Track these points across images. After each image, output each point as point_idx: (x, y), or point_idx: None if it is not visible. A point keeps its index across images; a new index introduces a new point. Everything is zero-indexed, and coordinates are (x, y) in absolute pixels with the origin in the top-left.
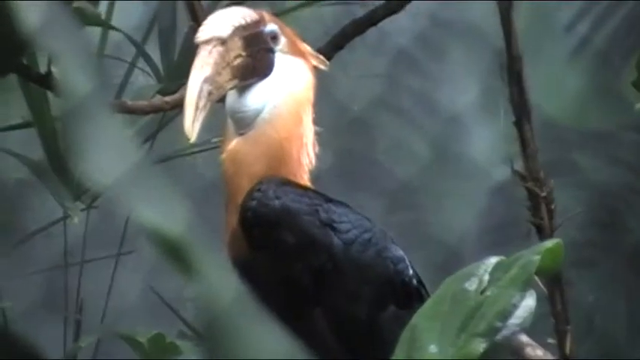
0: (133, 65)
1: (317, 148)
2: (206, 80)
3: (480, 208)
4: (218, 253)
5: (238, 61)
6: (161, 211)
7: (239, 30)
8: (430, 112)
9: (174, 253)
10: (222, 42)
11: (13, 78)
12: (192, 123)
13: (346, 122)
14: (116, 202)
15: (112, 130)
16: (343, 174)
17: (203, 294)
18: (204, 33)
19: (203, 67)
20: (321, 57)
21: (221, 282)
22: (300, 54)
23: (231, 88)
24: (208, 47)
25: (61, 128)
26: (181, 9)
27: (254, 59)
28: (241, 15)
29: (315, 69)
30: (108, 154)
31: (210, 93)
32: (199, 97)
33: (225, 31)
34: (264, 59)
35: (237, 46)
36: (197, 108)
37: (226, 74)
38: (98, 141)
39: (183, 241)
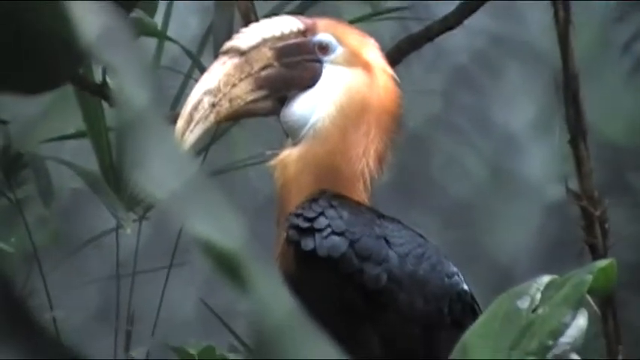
0: (188, 77)
1: (386, 163)
2: (208, 92)
3: (533, 227)
4: (271, 267)
5: (267, 72)
6: (216, 224)
7: (270, 40)
8: (485, 130)
9: (228, 267)
10: (241, 53)
11: (68, 88)
12: (182, 134)
13: (401, 138)
14: (171, 215)
15: (168, 142)
16: (397, 190)
17: (256, 309)
18: (226, 44)
19: (208, 79)
20: (390, 70)
21: (274, 297)
22: (362, 65)
23: (259, 100)
24: (224, 58)
25: (115, 139)
26: (238, 21)
27: (292, 70)
28: (279, 25)
29: (389, 82)
30: (163, 166)
31: (214, 104)
32: (195, 109)
33: (246, 43)
34: (308, 70)
35: (265, 56)
36: (190, 120)
37: (246, 85)
38: (154, 153)
39: (237, 255)
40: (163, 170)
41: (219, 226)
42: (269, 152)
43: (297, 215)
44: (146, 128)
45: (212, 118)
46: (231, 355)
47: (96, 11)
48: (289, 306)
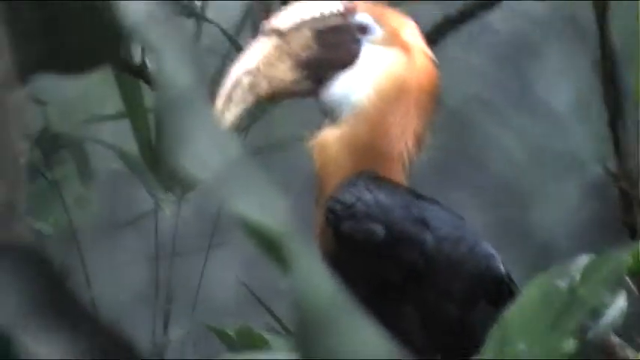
0: (226, 58)
1: (424, 143)
2: (248, 72)
3: (573, 206)
4: (313, 247)
5: (307, 53)
6: (258, 203)
7: (310, 22)
8: (526, 110)
9: (270, 247)
10: (280, 34)
11: (108, 69)
12: (221, 113)
13: (440, 118)
14: (214, 195)
15: (210, 122)
16: (437, 170)
17: (298, 288)
18: (266, 25)
19: (247, 59)
20: (428, 51)
21: (316, 277)
22: (401, 46)
23: (297, 81)
24: (263, 39)
25: (155, 120)
26: (277, 2)
27: (332, 51)
28: (318, 7)
29: (427, 63)
30: (206, 147)
31: (253, 85)
32: (233, 89)
33: (286, 23)
34: (347, 51)
35: (305, 37)
36: (229, 100)
37: (285, 66)
38: (196, 132)
39: (280, 234)
40: (205, 150)
41: (261, 205)
42: (308, 132)
43: (336, 200)
44: (188, 108)
45: (251, 98)
46: (268, 335)
47: None
48: (331, 286)
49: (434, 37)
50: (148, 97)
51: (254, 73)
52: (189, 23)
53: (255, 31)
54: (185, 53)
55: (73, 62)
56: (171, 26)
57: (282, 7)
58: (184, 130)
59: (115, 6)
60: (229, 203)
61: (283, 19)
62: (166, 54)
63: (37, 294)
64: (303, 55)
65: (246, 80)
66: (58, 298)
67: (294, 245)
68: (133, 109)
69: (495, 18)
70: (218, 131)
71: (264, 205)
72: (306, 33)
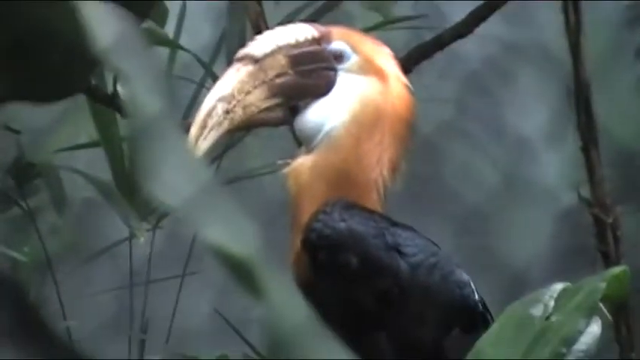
0: (201, 86)
1: (400, 171)
2: (222, 99)
3: (546, 234)
4: (286, 274)
5: (282, 79)
6: (229, 231)
7: (285, 48)
8: (498, 137)
9: (242, 273)
10: (256, 60)
11: (81, 98)
12: (195, 140)
13: (414, 146)
14: (184, 223)
15: (181, 150)
16: (410, 198)
17: (270, 314)
18: (240, 51)
19: (222, 86)
20: (404, 78)
21: (289, 303)
22: (376, 73)
23: (274, 107)
24: (238, 65)
25: (128, 148)
26: (250, 29)
27: (307, 78)
28: (293, 33)
29: (403, 90)
30: (176, 175)
31: (228, 111)
32: (209, 115)
33: (261, 50)
34: (322, 78)
35: (279, 64)
36: (204, 126)
37: (261, 92)
38: (166, 160)
39: (251, 261)
40: (176, 177)
41: (232, 232)
42: (282, 161)
43: (311, 230)
44: (158, 136)
45: (226, 125)
46: None
47: (109, 17)
48: (303, 312)
49: (408, 64)
50: (123, 125)
51: (229, 99)
52: (163, 51)
53: (230, 58)
54: (156, 79)
55: (43, 90)
56: (142, 51)
57: (255, 33)
58: (155, 157)
59: (85, 32)
60: (200, 230)
61: (258, 45)
62: (137, 80)
63: (10, 323)
64: (278, 81)
65: (220, 107)
66: (31, 327)
67: (265, 272)
68: (107, 138)
69: (468, 45)
70: (188, 158)
71: (234, 232)
72: (281, 59)
